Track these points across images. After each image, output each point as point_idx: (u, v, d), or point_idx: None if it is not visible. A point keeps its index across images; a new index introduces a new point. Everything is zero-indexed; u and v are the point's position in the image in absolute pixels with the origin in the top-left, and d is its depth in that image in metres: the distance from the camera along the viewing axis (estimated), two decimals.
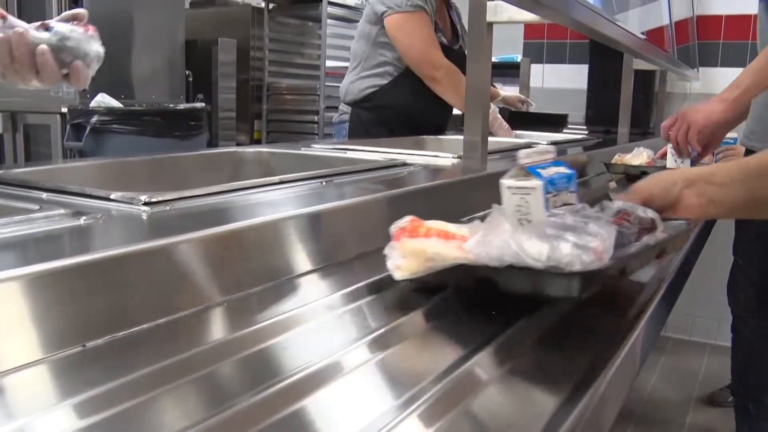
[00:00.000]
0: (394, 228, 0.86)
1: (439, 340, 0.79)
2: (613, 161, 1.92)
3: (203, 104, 3.78)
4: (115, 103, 3.34)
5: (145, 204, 0.83)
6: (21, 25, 0.98)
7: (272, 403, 0.57)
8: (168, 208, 0.84)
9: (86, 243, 0.72)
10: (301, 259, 0.85)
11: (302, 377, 0.61)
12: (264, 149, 1.53)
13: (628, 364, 0.80)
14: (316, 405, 0.58)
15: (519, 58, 3.93)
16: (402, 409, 0.58)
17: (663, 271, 1.24)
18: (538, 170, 0.96)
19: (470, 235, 0.83)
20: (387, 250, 0.84)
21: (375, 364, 0.68)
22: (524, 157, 0.94)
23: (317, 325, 0.74)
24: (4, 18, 0.97)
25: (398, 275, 0.83)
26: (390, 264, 0.83)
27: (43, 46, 0.97)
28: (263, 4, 4.67)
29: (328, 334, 0.73)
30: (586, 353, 0.82)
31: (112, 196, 0.86)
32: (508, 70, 4.02)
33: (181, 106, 3.66)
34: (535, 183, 0.94)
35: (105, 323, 0.62)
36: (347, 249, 0.92)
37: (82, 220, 0.75)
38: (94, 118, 3.15)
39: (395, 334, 0.74)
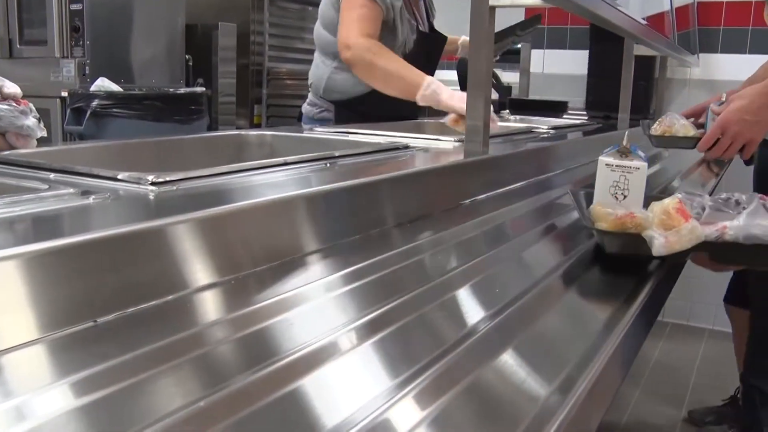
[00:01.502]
0: (672, 208, 0.96)
1: (436, 321, 0.80)
2: (656, 133, 1.88)
3: (203, 89, 3.77)
4: (115, 87, 3.34)
5: (153, 184, 0.84)
6: None
7: (273, 381, 0.58)
8: (175, 188, 0.85)
9: (95, 221, 0.73)
10: (304, 239, 0.86)
11: (301, 356, 0.62)
12: (267, 132, 1.54)
13: (619, 354, 0.81)
14: (314, 384, 0.59)
15: (519, 44, 3.93)
16: (399, 388, 0.59)
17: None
18: (639, 152, 1.06)
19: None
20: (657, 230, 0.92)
21: (373, 343, 0.69)
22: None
23: (318, 304, 0.75)
24: None
25: (663, 251, 0.93)
26: (661, 240, 0.91)
27: None
28: None
29: (328, 314, 0.74)
30: (584, 338, 0.83)
31: (119, 176, 0.86)
32: (508, 56, 4.01)
33: (181, 91, 3.66)
34: (639, 163, 1.08)
35: (115, 300, 0.63)
36: (350, 229, 0.93)
37: (90, 199, 0.76)
38: (95, 102, 3.15)
39: (394, 314, 0.76)
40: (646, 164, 1.08)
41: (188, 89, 3.91)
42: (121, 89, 3.37)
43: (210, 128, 3.81)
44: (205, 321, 0.66)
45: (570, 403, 0.64)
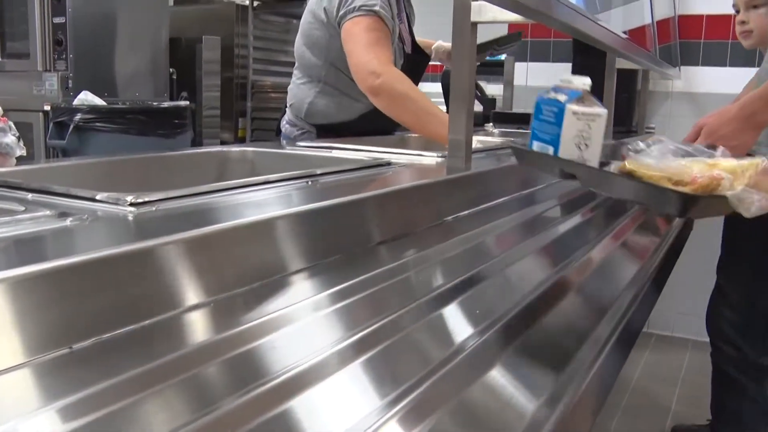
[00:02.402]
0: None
1: (423, 340, 0.80)
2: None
3: (187, 102, 3.76)
4: (98, 101, 3.32)
5: (131, 205, 0.83)
6: None
7: (260, 404, 0.57)
8: (154, 208, 0.84)
9: (72, 245, 0.72)
10: (287, 258, 0.85)
11: (290, 377, 0.62)
12: (249, 148, 1.53)
13: (605, 367, 0.81)
14: (303, 406, 0.59)
15: (503, 56, 3.95)
16: (388, 408, 0.59)
17: (646, 269, 1.26)
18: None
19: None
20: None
21: (362, 363, 0.68)
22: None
23: (304, 324, 0.74)
24: None
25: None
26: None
27: None
28: (247, 2, 4.66)
29: (315, 334, 0.74)
30: (569, 350, 0.83)
31: (97, 197, 0.86)
32: (492, 68, 4.03)
33: (165, 104, 3.65)
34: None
35: (92, 325, 0.62)
36: (332, 249, 0.92)
37: (68, 221, 0.75)
38: (78, 117, 3.13)
39: (381, 333, 0.75)
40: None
41: (172, 103, 3.90)
42: (104, 103, 3.35)
43: (194, 142, 3.80)
44: (187, 345, 0.65)
45: (557, 417, 0.64)
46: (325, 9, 2.06)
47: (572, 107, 0.97)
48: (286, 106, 2.35)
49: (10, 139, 1.11)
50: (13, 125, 1.13)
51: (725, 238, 2.21)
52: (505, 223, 1.31)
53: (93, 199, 0.86)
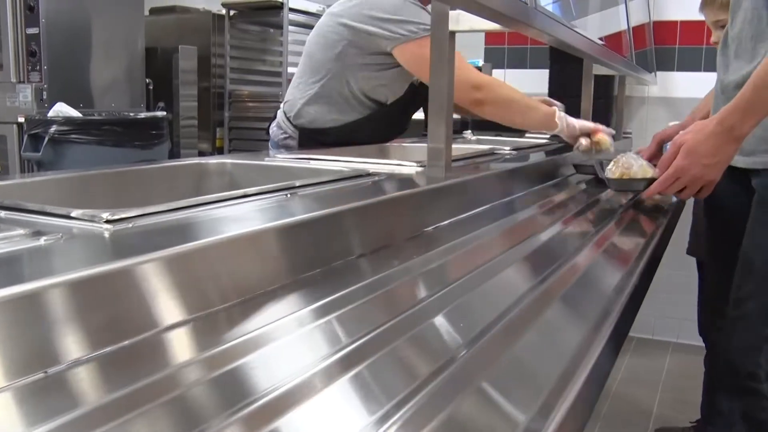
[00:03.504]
0: None
1: (411, 353, 0.79)
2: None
3: (164, 113, 3.74)
4: (73, 113, 3.29)
5: (107, 222, 0.82)
6: None
7: (247, 426, 0.56)
8: (131, 225, 0.82)
9: (47, 265, 0.70)
10: (267, 274, 0.84)
11: (275, 397, 0.61)
12: (227, 160, 1.52)
13: (595, 373, 0.81)
14: (291, 425, 0.58)
15: (481, 62, 3.96)
16: (378, 425, 0.58)
17: (628, 277, 1.26)
18: None
19: None
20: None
21: (349, 379, 0.68)
22: None
23: (288, 341, 0.73)
24: None
25: None
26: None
27: None
28: (224, 11, 4.64)
29: (300, 351, 0.73)
30: (559, 361, 0.83)
31: (72, 214, 0.84)
32: None
33: (142, 115, 3.62)
34: None
35: (67, 347, 0.60)
36: (313, 263, 0.91)
37: (42, 241, 0.74)
38: (53, 128, 3.11)
39: (368, 348, 0.75)
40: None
41: (149, 113, 3.87)
42: (79, 114, 3.32)
43: (172, 153, 3.77)
44: (168, 366, 0.64)
45: (550, 427, 0.64)
46: (358, 24, 2.07)
47: None
48: (271, 113, 2.39)
49: None
50: None
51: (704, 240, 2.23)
52: (488, 232, 1.31)
53: (68, 217, 0.84)
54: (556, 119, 2.10)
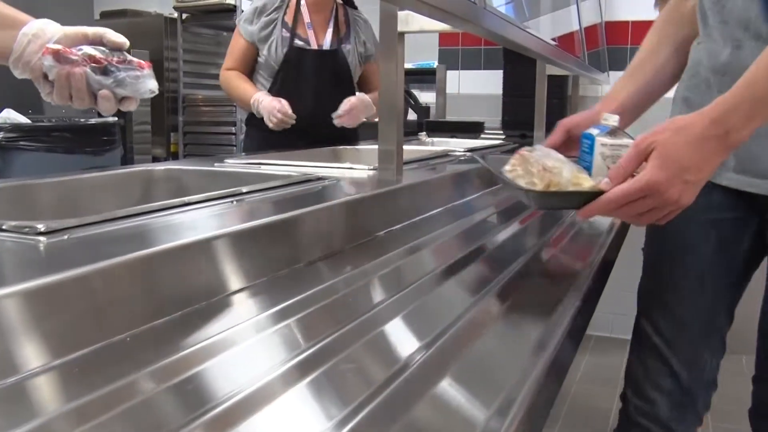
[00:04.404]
0: None
1: (368, 357, 0.79)
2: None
3: (116, 118, 3.67)
4: (22, 119, 3.21)
5: (41, 234, 0.79)
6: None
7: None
8: (66, 237, 0.79)
9: None
10: (213, 283, 0.81)
11: (235, 403, 0.60)
12: (174, 166, 1.48)
13: (552, 372, 0.81)
14: (251, 431, 0.58)
15: (435, 64, 3.96)
16: (337, 429, 0.58)
17: (586, 273, 1.26)
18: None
19: None
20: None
21: (308, 384, 0.67)
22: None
23: (246, 347, 0.72)
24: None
25: None
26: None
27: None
28: (176, 15, 4.58)
29: (258, 357, 0.72)
30: (518, 358, 0.83)
31: (4, 226, 0.81)
32: (424, 76, 4.04)
33: (93, 121, 3.55)
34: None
35: (10, 364, 0.57)
36: (261, 270, 0.89)
37: None
38: (0, 135, 3.03)
39: (325, 352, 0.74)
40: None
41: (100, 119, 3.79)
42: (28, 121, 3.25)
43: (125, 159, 3.71)
44: (124, 375, 0.61)
45: (512, 427, 0.64)
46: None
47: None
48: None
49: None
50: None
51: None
52: (441, 235, 1.30)
53: (0, 229, 0.81)
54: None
